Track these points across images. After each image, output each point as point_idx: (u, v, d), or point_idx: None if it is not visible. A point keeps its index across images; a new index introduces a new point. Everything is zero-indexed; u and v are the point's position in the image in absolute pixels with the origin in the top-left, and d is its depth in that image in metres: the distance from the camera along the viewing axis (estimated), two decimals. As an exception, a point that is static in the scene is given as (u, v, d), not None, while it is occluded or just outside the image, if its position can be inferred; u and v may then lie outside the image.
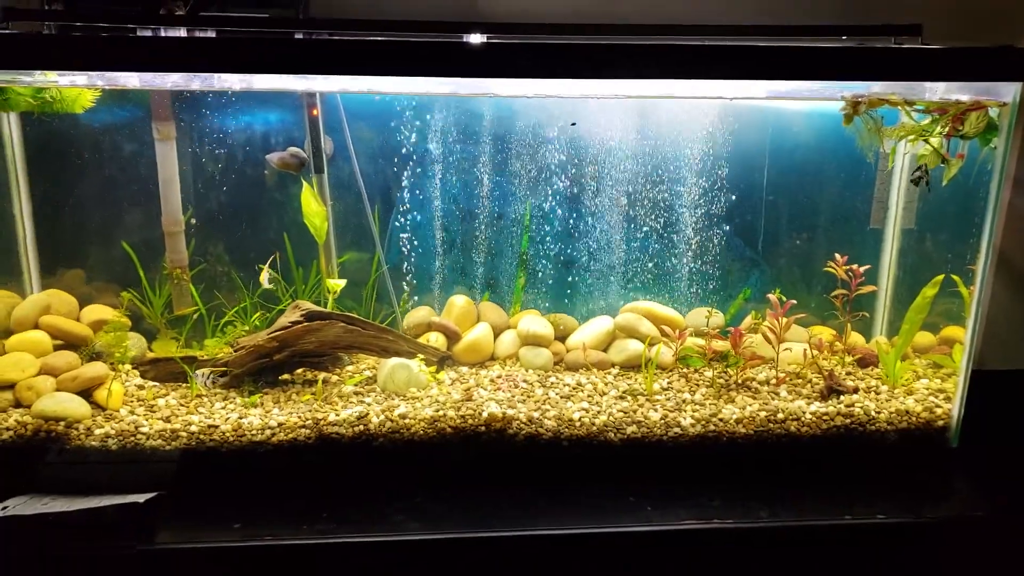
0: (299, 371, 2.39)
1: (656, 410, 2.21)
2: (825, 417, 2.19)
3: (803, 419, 2.19)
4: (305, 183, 2.42)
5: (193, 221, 2.42)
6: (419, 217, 2.54)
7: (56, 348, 2.30)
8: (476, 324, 2.59)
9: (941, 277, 2.32)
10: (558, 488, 2.06)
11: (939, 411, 2.22)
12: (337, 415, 2.13)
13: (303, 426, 2.09)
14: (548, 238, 2.60)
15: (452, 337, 2.53)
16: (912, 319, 2.39)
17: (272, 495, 2.00)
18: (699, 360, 2.41)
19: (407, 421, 2.12)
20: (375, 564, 1.88)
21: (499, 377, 2.39)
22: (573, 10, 2.39)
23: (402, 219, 2.54)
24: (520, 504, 1.99)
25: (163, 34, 1.92)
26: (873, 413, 2.20)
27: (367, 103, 2.46)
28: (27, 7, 2.10)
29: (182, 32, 1.93)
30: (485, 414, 2.13)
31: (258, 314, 2.44)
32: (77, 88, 2.18)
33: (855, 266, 2.41)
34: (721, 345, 2.41)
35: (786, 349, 2.45)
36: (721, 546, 1.95)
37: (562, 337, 2.60)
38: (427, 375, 2.34)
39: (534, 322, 2.55)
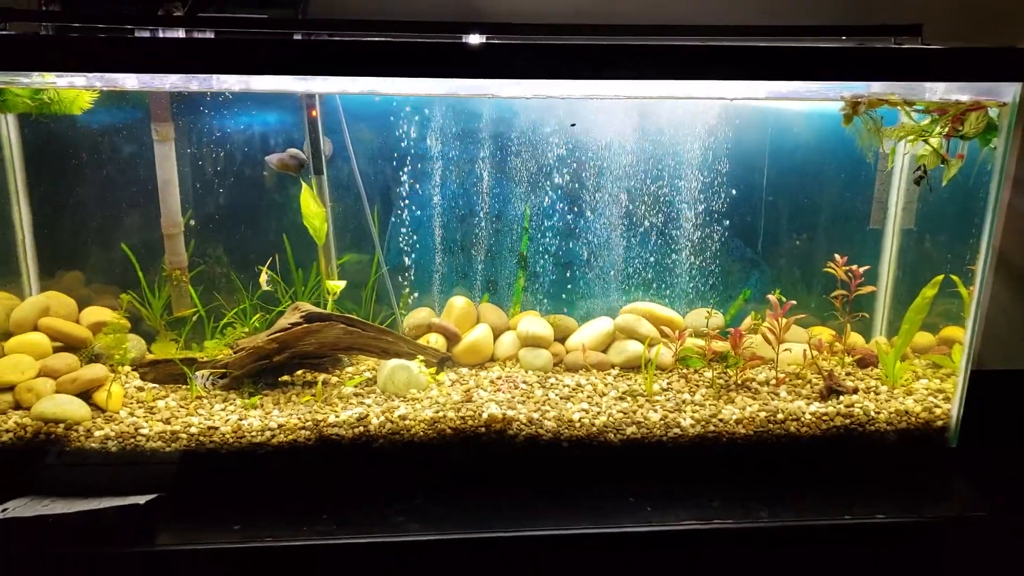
0: (299, 373, 2.39)
1: (656, 411, 2.21)
2: (825, 417, 2.20)
3: (803, 419, 2.19)
4: (304, 184, 2.41)
5: (192, 223, 2.41)
6: (418, 218, 2.54)
7: (55, 350, 2.30)
8: (476, 325, 2.59)
9: (940, 277, 2.32)
10: (558, 489, 2.06)
11: (938, 411, 2.23)
12: (337, 416, 2.13)
13: (303, 427, 2.09)
14: (548, 238, 2.60)
15: (452, 338, 2.53)
16: (911, 319, 2.39)
17: (272, 496, 2.00)
18: (699, 361, 2.42)
19: (407, 422, 2.12)
20: (375, 565, 1.88)
21: (499, 378, 2.39)
22: (573, 10, 2.39)
23: (401, 220, 2.54)
24: (520, 505, 1.99)
25: (161, 35, 1.91)
26: (872, 413, 2.20)
27: (366, 104, 2.46)
28: (24, 8, 2.09)
29: (180, 33, 1.92)
30: (485, 415, 2.13)
31: (258, 316, 2.44)
32: (75, 89, 2.18)
33: (855, 266, 2.42)
34: (721, 346, 2.41)
35: (786, 350, 2.45)
36: (721, 546, 1.95)
37: (562, 338, 2.60)
38: (427, 376, 2.34)
39: (534, 323, 2.55)
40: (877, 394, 2.31)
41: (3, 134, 2.29)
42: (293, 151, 2.39)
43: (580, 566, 1.93)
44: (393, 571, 1.90)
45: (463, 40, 1.90)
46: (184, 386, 2.30)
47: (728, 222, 2.56)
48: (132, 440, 2.05)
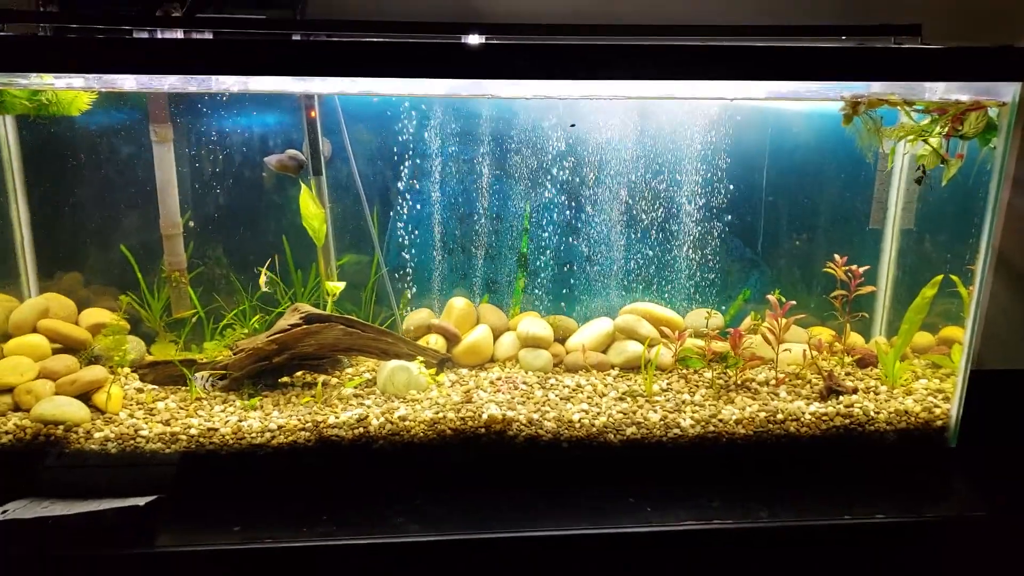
0: (299, 374, 2.38)
1: (656, 411, 2.21)
2: (824, 417, 2.20)
3: (802, 420, 2.19)
4: (304, 185, 2.41)
5: (191, 224, 2.41)
6: (417, 218, 2.54)
7: (55, 352, 2.29)
8: (476, 326, 2.58)
9: (940, 277, 2.32)
10: (558, 490, 2.06)
11: (938, 411, 2.23)
12: (337, 417, 2.13)
13: (303, 429, 2.09)
14: (547, 239, 2.59)
15: (452, 339, 2.53)
16: (911, 319, 2.39)
17: (272, 498, 2.00)
18: (698, 361, 2.42)
19: (407, 423, 2.12)
20: (375, 566, 1.88)
21: (499, 379, 2.39)
22: (572, 10, 2.38)
23: (400, 220, 2.53)
24: (520, 506, 1.99)
25: (160, 36, 1.91)
26: (872, 413, 2.20)
27: (365, 105, 2.45)
28: (22, 9, 2.08)
29: (179, 34, 1.92)
30: (485, 416, 2.13)
31: (257, 317, 2.44)
32: (73, 91, 2.18)
33: (854, 267, 2.41)
34: (721, 346, 2.41)
35: (785, 350, 2.45)
36: (721, 547, 1.95)
37: (561, 339, 2.60)
38: (427, 377, 2.34)
39: (533, 324, 2.55)
40: (877, 394, 2.31)
41: (1, 136, 2.29)
42: (292, 152, 2.39)
43: (580, 567, 1.93)
44: (393, 572, 1.90)
45: (462, 40, 1.90)
46: (184, 387, 2.30)
47: (727, 222, 2.56)
48: (132, 442, 2.05)
